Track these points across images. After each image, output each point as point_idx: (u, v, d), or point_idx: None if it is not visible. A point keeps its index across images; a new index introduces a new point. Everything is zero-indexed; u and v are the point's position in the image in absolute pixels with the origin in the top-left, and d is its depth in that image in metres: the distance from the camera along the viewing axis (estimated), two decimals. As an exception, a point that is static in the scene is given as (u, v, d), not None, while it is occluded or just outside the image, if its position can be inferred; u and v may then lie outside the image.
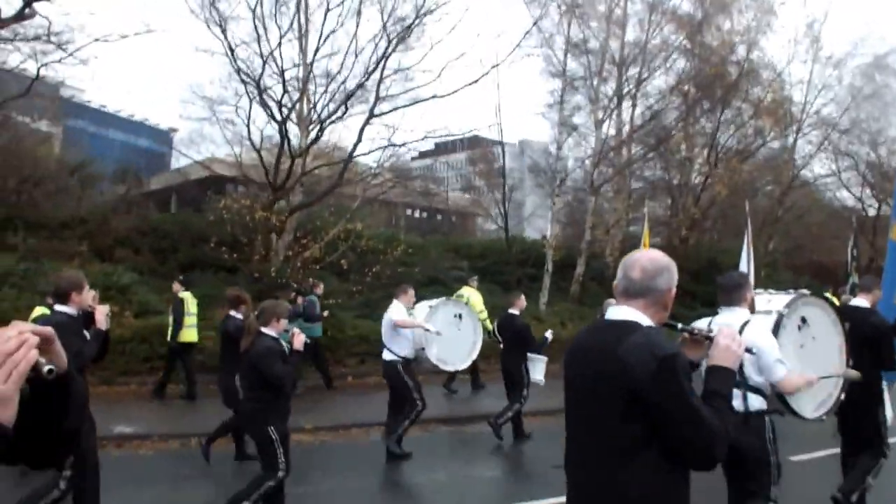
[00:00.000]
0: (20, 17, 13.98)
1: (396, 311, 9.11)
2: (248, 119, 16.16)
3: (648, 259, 2.78)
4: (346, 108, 16.27)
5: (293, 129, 17.03)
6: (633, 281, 2.73)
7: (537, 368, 10.18)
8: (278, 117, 16.01)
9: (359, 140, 16.62)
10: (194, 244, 16.65)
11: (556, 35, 21.02)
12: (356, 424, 10.90)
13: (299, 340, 6.03)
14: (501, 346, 10.50)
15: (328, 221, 17.12)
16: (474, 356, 10.62)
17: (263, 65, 15.65)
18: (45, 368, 1.57)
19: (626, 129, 22.40)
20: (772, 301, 5.42)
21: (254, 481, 6.00)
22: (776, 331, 4.94)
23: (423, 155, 54.44)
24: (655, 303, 2.72)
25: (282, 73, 16.20)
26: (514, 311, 10.37)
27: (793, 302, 5.22)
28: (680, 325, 2.94)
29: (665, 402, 2.48)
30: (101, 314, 5.68)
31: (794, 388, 4.66)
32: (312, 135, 16.82)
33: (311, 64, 16.51)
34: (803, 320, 5.23)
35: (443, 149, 52.86)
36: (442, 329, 9.62)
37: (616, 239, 22.21)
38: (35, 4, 14.04)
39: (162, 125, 42.26)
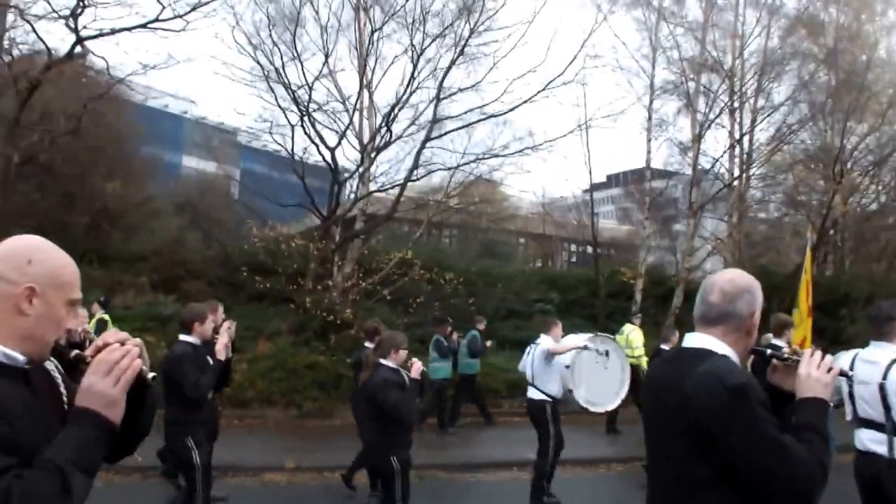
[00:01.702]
0: (71, 55, 14.41)
1: (548, 342, 8.55)
2: (292, 145, 16.16)
3: (727, 280, 2.53)
4: (391, 133, 15.63)
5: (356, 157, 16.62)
6: (711, 305, 2.50)
7: None
8: (330, 144, 15.67)
9: (415, 164, 15.92)
10: (264, 275, 16.41)
11: (644, 45, 19.45)
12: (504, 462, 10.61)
13: (416, 369, 5.99)
14: None
15: (376, 251, 16.43)
16: (623, 395, 10.03)
17: (310, 92, 15.35)
18: (150, 375, 1.87)
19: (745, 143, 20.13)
20: None
21: None
22: None
23: (596, 187, 53.06)
24: (736, 329, 2.47)
25: (342, 99, 15.91)
26: (666, 346, 10.13)
27: None
28: (769, 351, 2.67)
29: (740, 435, 2.24)
30: (221, 345, 5.97)
31: None
32: (370, 159, 16.27)
33: (364, 88, 16.04)
34: None
35: (613, 180, 51.70)
36: (587, 368, 9.20)
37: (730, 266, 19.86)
38: (88, 42, 14.42)
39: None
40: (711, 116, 18.96)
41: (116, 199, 16.78)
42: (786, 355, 2.62)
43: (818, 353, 2.49)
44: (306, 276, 14.96)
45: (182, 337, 5.95)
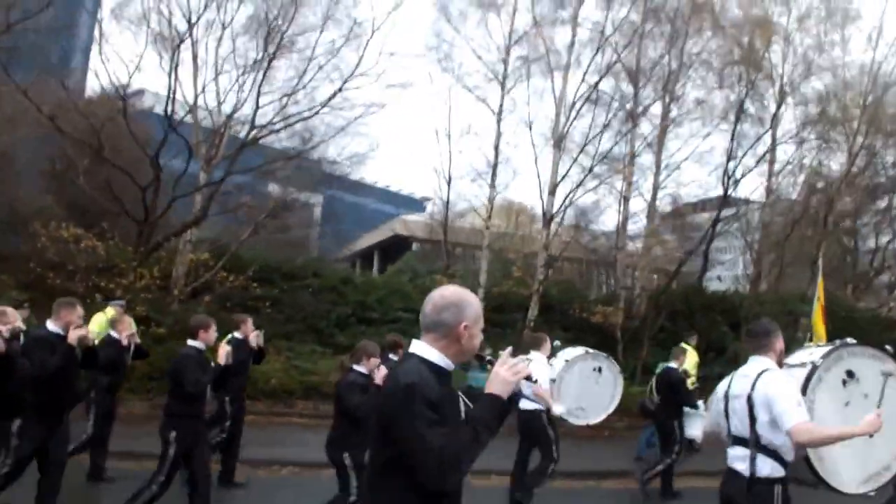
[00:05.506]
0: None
1: (536, 369, 8.50)
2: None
3: (440, 294, 2.90)
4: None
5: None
6: (425, 315, 2.87)
7: (694, 424, 10.03)
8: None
9: (230, 169, 16.24)
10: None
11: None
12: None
13: (380, 375, 6.46)
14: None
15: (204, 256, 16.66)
16: (611, 410, 10.50)
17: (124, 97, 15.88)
18: None
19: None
20: (814, 354, 4.97)
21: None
22: (806, 385, 4.66)
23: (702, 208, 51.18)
24: (445, 336, 2.82)
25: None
26: (674, 364, 10.31)
27: (831, 353, 4.84)
28: (488, 357, 3.04)
29: (399, 426, 2.62)
30: (222, 352, 6.86)
31: (812, 439, 4.24)
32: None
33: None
34: (849, 374, 4.80)
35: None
36: (579, 383, 9.84)
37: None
38: None
39: (416, 194, 46.05)
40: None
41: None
42: (489, 358, 2.97)
43: (510, 355, 2.85)
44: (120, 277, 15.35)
45: (189, 342, 6.73)
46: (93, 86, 20.04)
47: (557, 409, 8.82)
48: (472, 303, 2.88)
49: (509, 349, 2.90)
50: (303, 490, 8.96)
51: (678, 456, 9.69)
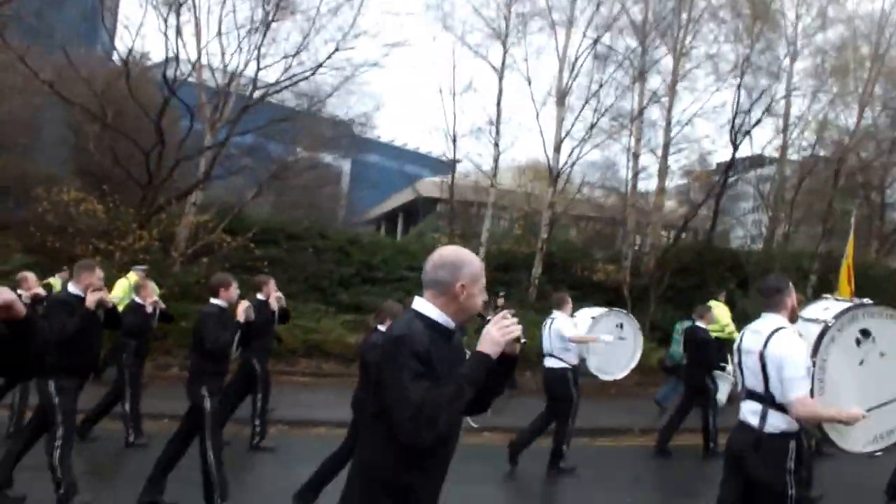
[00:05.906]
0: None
1: (565, 324, 8.88)
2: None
3: (438, 253, 2.97)
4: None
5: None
6: (425, 273, 2.94)
7: (721, 388, 10.19)
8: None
9: (232, 130, 16.12)
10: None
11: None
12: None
13: None
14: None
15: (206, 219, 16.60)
16: (632, 366, 10.64)
17: (126, 60, 15.70)
18: None
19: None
20: (829, 309, 5.01)
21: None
22: (818, 344, 4.68)
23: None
24: (442, 294, 2.88)
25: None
26: (701, 323, 10.28)
27: (845, 312, 4.83)
28: (488, 318, 2.97)
29: (383, 376, 2.71)
30: (241, 308, 6.80)
31: (810, 415, 4.33)
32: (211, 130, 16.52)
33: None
34: (864, 333, 4.82)
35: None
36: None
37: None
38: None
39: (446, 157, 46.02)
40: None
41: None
42: (489, 318, 2.92)
43: (507, 315, 2.88)
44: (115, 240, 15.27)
45: (211, 300, 6.78)
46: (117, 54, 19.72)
47: (607, 339, 9.52)
48: (470, 263, 2.91)
49: (507, 311, 2.91)
50: (289, 449, 8.98)
51: (715, 410, 9.86)
